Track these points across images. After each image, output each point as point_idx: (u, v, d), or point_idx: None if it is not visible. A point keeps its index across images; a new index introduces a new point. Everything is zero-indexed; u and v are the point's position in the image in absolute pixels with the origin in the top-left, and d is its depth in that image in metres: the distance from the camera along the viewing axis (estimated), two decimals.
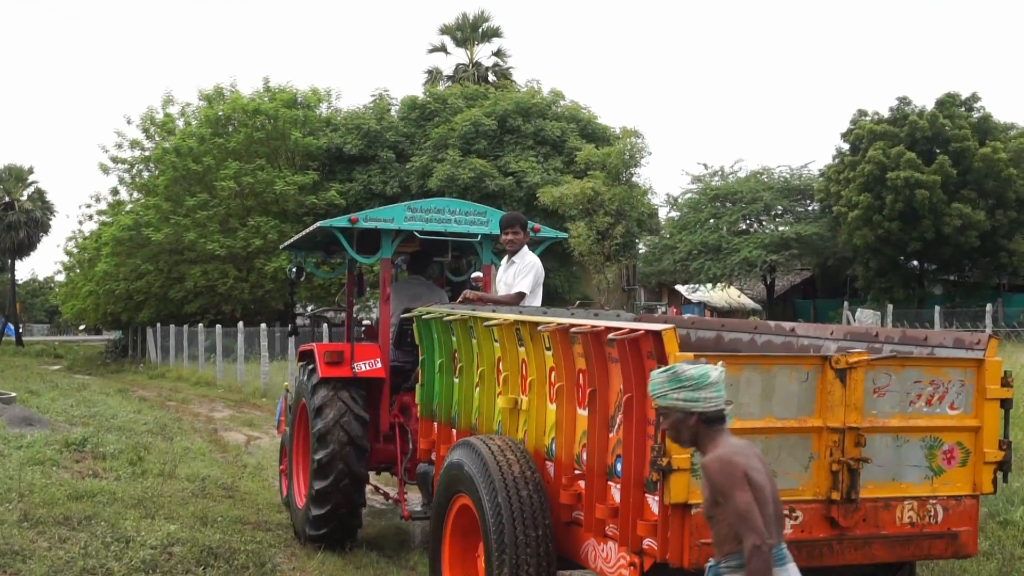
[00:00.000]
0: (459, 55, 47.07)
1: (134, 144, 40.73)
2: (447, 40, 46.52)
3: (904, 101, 38.68)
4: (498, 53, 46.80)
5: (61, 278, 55.67)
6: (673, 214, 45.33)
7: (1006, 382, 4.46)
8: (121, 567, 6.87)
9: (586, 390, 4.65)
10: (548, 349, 5.01)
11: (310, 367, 8.22)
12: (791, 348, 5.48)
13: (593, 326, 4.50)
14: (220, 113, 37.81)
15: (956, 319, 31.04)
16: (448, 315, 6.13)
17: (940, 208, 35.32)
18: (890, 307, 32.40)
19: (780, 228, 42.44)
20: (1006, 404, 4.48)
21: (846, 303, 36.62)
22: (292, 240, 9.44)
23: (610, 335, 4.29)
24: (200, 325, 33.81)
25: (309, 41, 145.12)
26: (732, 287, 47.59)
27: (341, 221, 8.00)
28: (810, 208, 43.30)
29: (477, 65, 46.26)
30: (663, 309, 45.10)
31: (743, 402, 4.11)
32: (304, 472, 8.27)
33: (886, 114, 38.74)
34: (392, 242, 8.18)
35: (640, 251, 42.87)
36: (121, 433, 13.83)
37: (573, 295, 37.02)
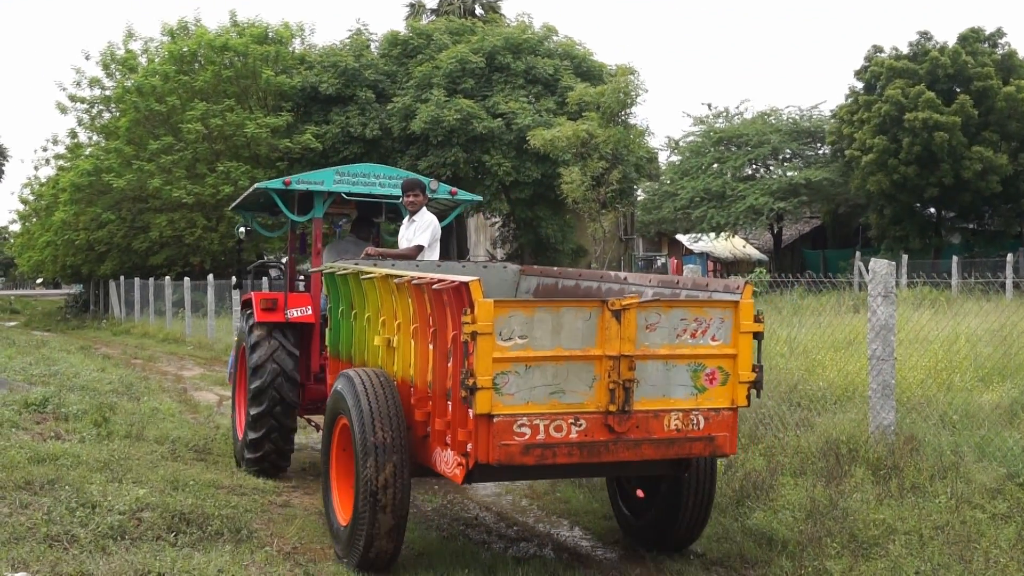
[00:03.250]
0: None
1: (93, 82, 41.52)
2: None
3: (925, 36, 39.72)
4: None
5: (16, 228, 57.63)
6: (674, 159, 46.54)
7: (758, 319, 6.35)
8: (87, 533, 7.04)
9: (432, 329, 6.55)
10: (410, 297, 6.91)
11: (248, 312, 10.26)
12: (597, 293, 7.42)
13: (431, 278, 6.39)
14: (185, 49, 38.30)
15: (975, 269, 32.52)
16: (343, 269, 8.08)
17: (960, 151, 36.48)
18: (905, 257, 33.81)
19: (788, 173, 43.61)
20: (758, 336, 6.37)
21: (858, 253, 37.89)
22: (237, 201, 11.46)
23: (434, 285, 6.17)
24: (167, 278, 35.18)
25: None
26: (737, 236, 49.00)
27: (276, 183, 10.04)
28: (821, 152, 44.47)
29: None
30: (662, 260, 46.77)
31: (537, 336, 5.99)
32: (244, 404, 10.31)
33: (905, 50, 39.82)
34: (324, 203, 10.20)
35: (638, 198, 44.01)
36: (84, 393, 14.24)
37: (567, 245, 38.48)
